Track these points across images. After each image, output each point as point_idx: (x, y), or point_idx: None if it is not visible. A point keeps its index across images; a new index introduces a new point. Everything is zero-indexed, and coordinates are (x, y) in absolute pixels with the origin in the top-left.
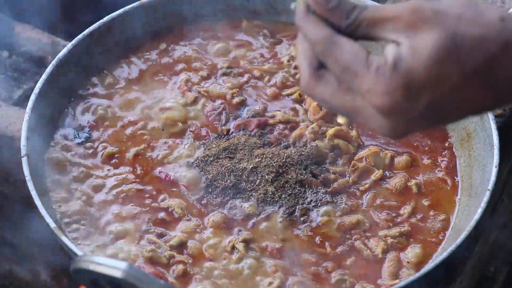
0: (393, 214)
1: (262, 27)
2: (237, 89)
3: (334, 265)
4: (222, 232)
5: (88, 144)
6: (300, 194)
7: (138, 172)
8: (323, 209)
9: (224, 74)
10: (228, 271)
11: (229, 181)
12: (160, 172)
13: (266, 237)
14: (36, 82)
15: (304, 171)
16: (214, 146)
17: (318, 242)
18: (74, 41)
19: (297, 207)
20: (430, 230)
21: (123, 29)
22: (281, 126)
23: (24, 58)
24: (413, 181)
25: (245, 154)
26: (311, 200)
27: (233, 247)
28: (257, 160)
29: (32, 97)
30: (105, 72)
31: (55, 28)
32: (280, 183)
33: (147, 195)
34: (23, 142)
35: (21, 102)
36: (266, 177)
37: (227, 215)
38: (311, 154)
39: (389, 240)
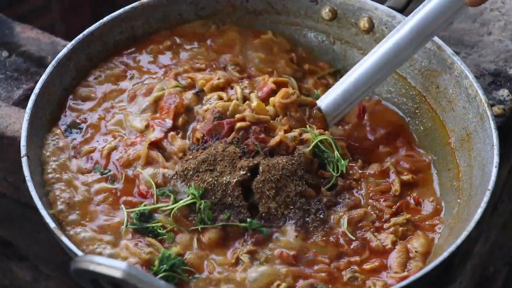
0: (388, 195)
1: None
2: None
3: (346, 263)
4: (220, 249)
5: (77, 141)
6: (305, 206)
7: (118, 175)
8: (332, 210)
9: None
10: (232, 281)
11: (213, 197)
12: (140, 188)
13: (280, 247)
14: (36, 82)
15: (300, 182)
16: (191, 157)
17: (334, 240)
18: (74, 41)
19: (308, 219)
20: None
21: (123, 29)
22: (255, 128)
23: (24, 58)
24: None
25: (225, 166)
26: (317, 208)
27: (238, 259)
28: (241, 172)
29: (32, 97)
30: (107, 73)
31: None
32: (282, 198)
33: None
34: (23, 142)
35: (21, 102)
36: (267, 193)
37: (221, 231)
38: (301, 162)
39: (400, 229)
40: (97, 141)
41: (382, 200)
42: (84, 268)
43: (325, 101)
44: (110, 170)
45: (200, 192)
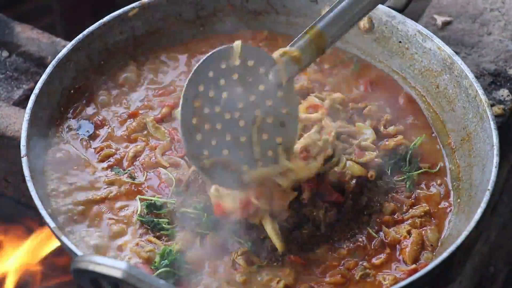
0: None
1: None
2: None
3: (355, 261)
4: (221, 251)
5: (89, 142)
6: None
7: (138, 176)
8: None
9: None
10: (232, 282)
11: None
12: (161, 185)
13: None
14: (36, 82)
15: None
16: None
17: (360, 244)
18: (74, 41)
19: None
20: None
21: (123, 29)
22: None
23: (24, 58)
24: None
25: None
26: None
27: (234, 262)
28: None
29: (32, 97)
30: (109, 73)
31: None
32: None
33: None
34: (23, 142)
35: (21, 102)
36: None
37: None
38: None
39: (417, 220)
40: (117, 144)
41: (400, 191)
42: (84, 268)
43: (323, 20)
44: (129, 170)
45: (201, 205)
